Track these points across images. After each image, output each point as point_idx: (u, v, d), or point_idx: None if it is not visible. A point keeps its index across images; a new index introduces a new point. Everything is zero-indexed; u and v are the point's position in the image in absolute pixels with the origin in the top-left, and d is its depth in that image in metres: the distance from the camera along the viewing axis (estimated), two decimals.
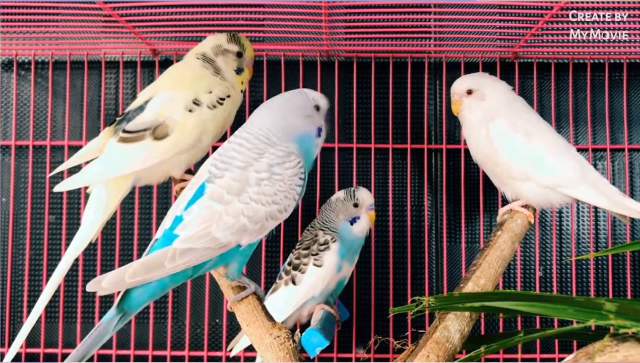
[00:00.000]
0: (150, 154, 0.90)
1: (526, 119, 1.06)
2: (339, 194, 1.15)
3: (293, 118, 0.88)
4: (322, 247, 1.10)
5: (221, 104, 0.95)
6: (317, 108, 0.90)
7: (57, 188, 0.92)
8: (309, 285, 1.09)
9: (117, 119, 0.95)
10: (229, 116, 0.99)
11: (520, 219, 1.03)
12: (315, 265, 1.09)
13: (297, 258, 1.11)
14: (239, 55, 1.01)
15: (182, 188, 0.97)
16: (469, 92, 1.08)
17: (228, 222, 0.79)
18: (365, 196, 1.14)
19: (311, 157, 0.90)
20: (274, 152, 0.84)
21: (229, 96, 0.97)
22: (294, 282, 1.09)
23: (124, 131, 0.91)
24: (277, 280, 1.13)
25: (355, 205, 1.13)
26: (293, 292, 1.09)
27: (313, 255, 1.10)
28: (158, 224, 1.31)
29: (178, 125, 0.91)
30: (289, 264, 1.12)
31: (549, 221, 1.31)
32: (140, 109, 0.93)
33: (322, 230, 1.13)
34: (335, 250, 1.10)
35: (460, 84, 1.09)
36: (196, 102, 0.93)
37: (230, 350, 1.16)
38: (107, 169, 0.90)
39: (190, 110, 0.92)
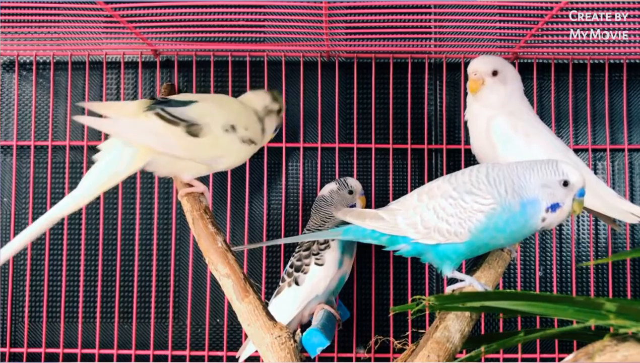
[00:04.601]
0: (178, 142, 0.92)
1: (528, 120, 1.06)
2: (331, 186, 1.18)
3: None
4: (322, 246, 1.11)
5: (248, 144, 1.01)
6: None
7: (77, 119, 0.90)
8: (311, 284, 1.09)
9: (154, 99, 0.95)
10: (246, 157, 1.05)
11: None
12: (316, 264, 1.10)
13: (299, 259, 1.12)
14: (279, 112, 1.10)
15: (187, 193, 1.00)
16: (495, 73, 1.06)
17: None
18: (356, 183, 1.19)
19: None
20: None
21: (254, 143, 1.03)
22: (297, 283, 1.10)
23: (164, 110, 0.92)
24: (280, 283, 1.13)
25: (350, 192, 1.18)
26: (296, 293, 1.09)
27: (314, 254, 1.11)
28: (159, 225, 1.32)
29: (210, 135, 0.95)
30: (291, 266, 1.13)
31: None
32: (184, 103, 0.95)
33: (319, 229, 1.14)
34: (336, 247, 1.11)
35: (487, 63, 1.06)
36: (233, 128, 0.98)
37: (237, 356, 1.16)
38: (138, 132, 0.90)
39: (225, 130, 0.97)
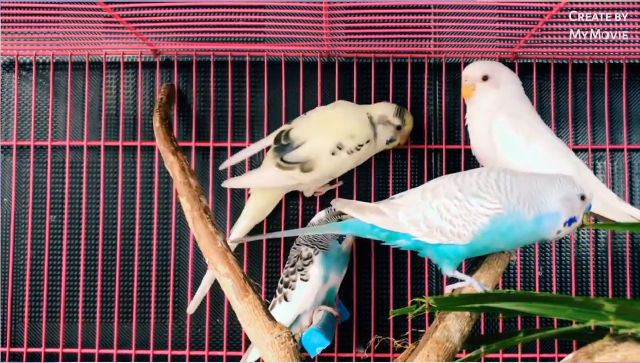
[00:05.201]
0: (297, 180, 1.17)
1: (528, 121, 1.06)
2: (320, 215, 1.16)
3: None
4: (306, 262, 1.12)
5: (358, 150, 1.16)
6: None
7: (225, 184, 1.23)
8: (300, 300, 1.10)
9: (280, 143, 1.18)
10: (361, 160, 1.21)
11: None
12: (302, 280, 1.10)
13: (287, 275, 1.13)
14: (398, 128, 1.21)
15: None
16: (485, 78, 1.09)
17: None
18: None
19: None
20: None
21: (367, 141, 1.18)
22: (286, 299, 1.11)
23: (282, 160, 1.16)
24: (274, 298, 1.14)
25: (339, 221, 1.13)
26: (287, 309, 1.10)
27: (299, 270, 1.11)
28: (159, 225, 1.32)
29: (322, 165, 1.16)
30: (281, 282, 1.14)
31: None
32: (297, 145, 1.16)
33: (306, 244, 1.14)
34: (319, 262, 1.11)
35: (476, 69, 1.09)
36: (339, 147, 1.15)
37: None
38: (266, 181, 1.20)
39: (333, 153, 1.15)
